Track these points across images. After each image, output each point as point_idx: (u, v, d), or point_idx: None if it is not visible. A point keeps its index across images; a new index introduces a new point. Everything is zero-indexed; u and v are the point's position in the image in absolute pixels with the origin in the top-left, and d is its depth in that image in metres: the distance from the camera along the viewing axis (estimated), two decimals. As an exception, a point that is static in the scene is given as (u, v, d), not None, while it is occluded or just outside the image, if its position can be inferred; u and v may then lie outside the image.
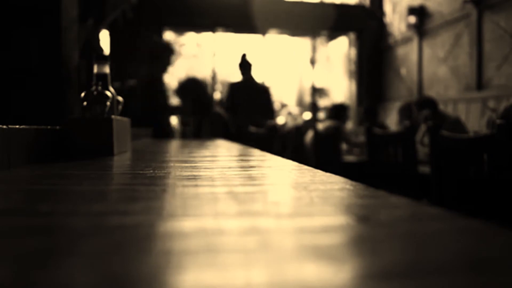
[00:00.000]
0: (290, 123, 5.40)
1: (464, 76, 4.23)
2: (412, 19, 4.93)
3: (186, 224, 0.30)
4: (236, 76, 4.06)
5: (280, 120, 5.91)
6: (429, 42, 4.84)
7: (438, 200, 1.78)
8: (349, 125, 5.09)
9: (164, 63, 3.65)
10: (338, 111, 3.93)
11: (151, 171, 0.63)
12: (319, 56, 6.66)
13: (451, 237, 0.28)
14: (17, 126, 0.73)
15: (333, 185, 0.48)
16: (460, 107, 4.20)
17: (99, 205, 0.38)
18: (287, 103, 7.23)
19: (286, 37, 6.47)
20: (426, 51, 4.90)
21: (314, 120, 5.58)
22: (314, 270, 0.21)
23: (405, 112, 3.73)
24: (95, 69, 1.03)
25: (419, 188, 2.21)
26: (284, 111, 6.48)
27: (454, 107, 4.28)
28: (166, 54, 3.68)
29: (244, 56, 3.98)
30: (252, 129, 3.26)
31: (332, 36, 6.42)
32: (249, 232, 0.28)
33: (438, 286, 0.19)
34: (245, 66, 3.95)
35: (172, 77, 4.96)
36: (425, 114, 3.06)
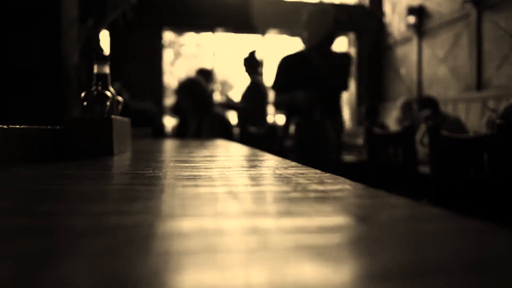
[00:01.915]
0: None
1: (464, 76, 4.22)
2: (412, 19, 4.93)
3: (186, 224, 0.30)
4: (238, 76, 3.96)
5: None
6: (429, 42, 4.84)
7: (438, 200, 1.78)
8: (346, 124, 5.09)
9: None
10: None
11: (151, 171, 0.63)
12: (319, 56, 6.65)
13: (451, 237, 0.28)
14: (17, 126, 0.73)
15: (332, 185, 0.48)
16: (460, 107, 4.20)
17: (99, 205, 0.38)
18: None
19: (286, 37, 6.46)
20: (426, 51, 4.90)
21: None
22: (313, 271, 0.21)
23: (406, 109, 3.73)
24: (95, 69, 1.03)
25: (419, 188, 2.21)
26: None
27: (454, 107, 4.28)
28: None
29: (253, 53, 3.69)
30: (252, 129, 3.25)
31: (331, 36, 6.41)
32: (248, 232, 0.28)
33: (438, 286, 0.19)
34: (251, 63, 3.67)
35: (172, 77, 4.96)
36: (425, 114, 3.06)
